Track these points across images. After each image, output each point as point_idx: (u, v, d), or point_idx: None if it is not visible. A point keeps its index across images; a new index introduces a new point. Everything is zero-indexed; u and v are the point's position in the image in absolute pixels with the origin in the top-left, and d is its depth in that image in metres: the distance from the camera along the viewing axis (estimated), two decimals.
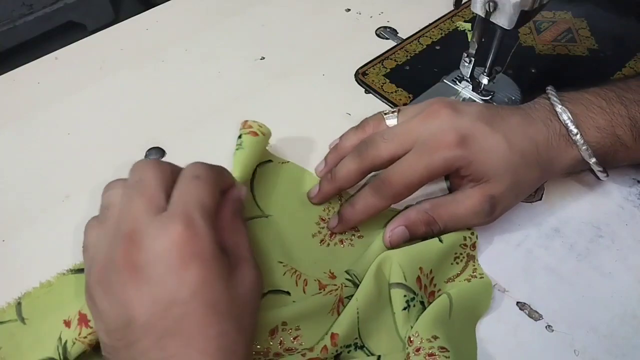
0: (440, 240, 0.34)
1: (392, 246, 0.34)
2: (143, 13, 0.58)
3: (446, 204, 0.35)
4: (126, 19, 0.57)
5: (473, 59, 0.43)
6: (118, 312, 0.26)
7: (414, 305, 0.32)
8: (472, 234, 0.36)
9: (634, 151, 0.36)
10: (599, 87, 0.37)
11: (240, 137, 0.38)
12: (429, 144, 0.34)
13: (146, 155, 0.42)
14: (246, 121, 0.39)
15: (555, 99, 0.36)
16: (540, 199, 0.39)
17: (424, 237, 0.35)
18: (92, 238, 0.30)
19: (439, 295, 0.33)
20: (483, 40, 0.41)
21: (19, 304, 0.33)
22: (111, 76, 0.50)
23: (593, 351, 0.32)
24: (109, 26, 0.55)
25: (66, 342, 0.30)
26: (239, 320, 0.27)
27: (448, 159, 0.33)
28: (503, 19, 0.37)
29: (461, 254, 0.35)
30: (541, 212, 0.39)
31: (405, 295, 0.32)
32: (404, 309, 0.32)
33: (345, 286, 0.33)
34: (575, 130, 0.34)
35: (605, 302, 0.34)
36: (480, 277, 0.35)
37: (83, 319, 0.30)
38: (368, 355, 0.31)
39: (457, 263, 0.35)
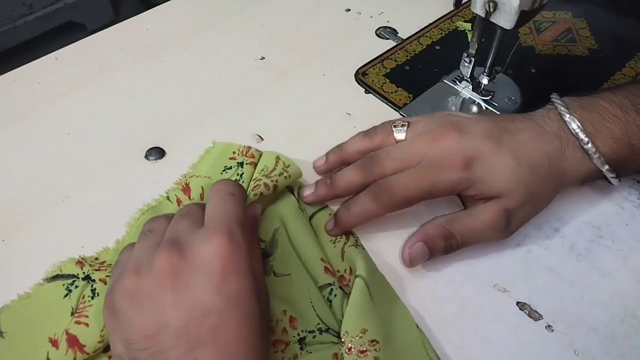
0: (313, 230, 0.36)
1: (412, 265, 0.35)
2: (143, 13, 0.58)
3: (462, 218, 0.35)
4: (126, 19, 0.57)
5: (473, 59, 0.43)
6: (150, 319, 0.26)
7: (335, 295, 0.33)
8: (329, 214, 0.37)
9: None
10: (613, 92, 0.36)
11: (241, 165, 0.38)
12: (435, 163, 0.34)
13: (146, 155, 0.42)
14: (249, 148, 0.39)
15: (562, 108, 0.35)
16: None
17: (444, 253, 0.35)
18: (125, 256, 0.31)
19: (352, 280, 0.33)
20: (483, 40, 0.41)
21: None
22: (111, 76, 0.50)
23: (593, 351, 0.32)
24: (109, 26, 0.55)
25: None
26: (264, 336, 0.27)
27: (452, 180, 0.34)
28: (503, 19, 0.37)
29: (335, 236, 0.36)
30: (541, 212, 0.39)
31: (325, 291, 0.33)
32: (329, 300, 0.33)
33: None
34: (586, 140, 0.34)
35: (605, 302, 0.34)
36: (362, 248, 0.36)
37: (74, 342, 0.30)
38: (335, 336, 0.32)
39: (338, 240, 0.35)
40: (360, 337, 0.30)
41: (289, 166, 0.37)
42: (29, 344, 0.30)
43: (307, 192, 0.38)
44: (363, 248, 0.36)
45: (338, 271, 0.34)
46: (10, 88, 0.48)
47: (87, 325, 0.30)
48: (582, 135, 0.34)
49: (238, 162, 0.39)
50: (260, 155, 0.39)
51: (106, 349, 0.31)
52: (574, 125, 0.34)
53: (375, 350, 0.29)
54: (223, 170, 0.39)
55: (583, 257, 0.36)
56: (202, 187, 0.38)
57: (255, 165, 0.38)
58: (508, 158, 0.34)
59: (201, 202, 0.33)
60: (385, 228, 0.37)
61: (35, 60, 0.51)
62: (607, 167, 0.35)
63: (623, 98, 0.36)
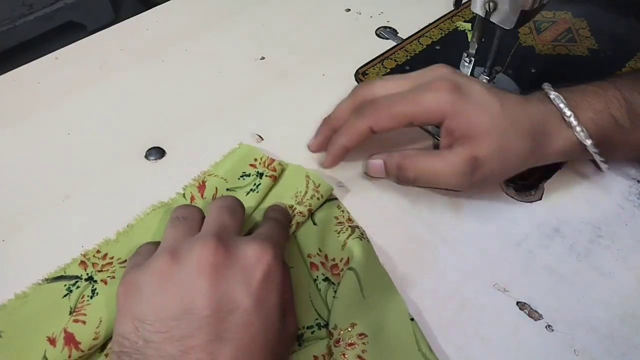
0: (315, 223, 0.36)
1: (369, 174, 0.38)
2: (143, 13, 0.58)
3: (428, 156, 0.35)
4: (126, 19, 0.57)
5: (473, 59, 0.43)
6: (175, 301, 0.26)
7: (318, 286, 0.33)
8: (342, 210, 0.37)
9: (632, 135, 0.36)
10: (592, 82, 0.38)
11: (260, 176, 0.38)
12: (424, 85, 0.35)
13: (146, 155, 0.42)
14: (273, 160, 0.39)
15: (548, 88, 0.36)
16: (540, 199, 0.39)
17: (397, 181, 0.37)
18: (147, 247, 0.32)
19: (344, 271, 0.33)
20: (483, 40, 0.41)
21: None
22: (111, 76, 0.50)
23: (593, 351, 0.32)
24: (109, 26, 0.55)
25: None
26: (279, 355, 0.28)
27: (439, 101, 0.34)
28: (503, 19, 0.37)
29: (341, 228, 0.36)
30: (541, 212, 0.39)
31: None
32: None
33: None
34: (569, 113, 0.34)
35: (605, 302, 0.34)
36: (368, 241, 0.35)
37: (71, 339, 0.29)
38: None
39: (343, 232, 0.36)
40: (349, 331, 0.30)
41: (319, 185, 0.37)
42: (26, 343, 0.30)
43: (311, 142, 0.40)
44: (368, 241, 0.36)
45: (333, 259, 0.34)
46: (10, 88, 0.48)
47: (84, 323, 0.30)
48: (563, 106, 0.34)
49: (258, 172, 0.38)
50: (283, 169, 0.39)
51: (103, 347, 0.31)
52: (558, 101, 0.35)
53: (364, 343, 0.29)
54: (241, 177, 0.38)
55: (583, 257, 0.36)
56: (216, 187, 0.38)
57: (275, 178, 0.38)
58: (494, 101, 0.34)
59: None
60: (385, 229, 0.37)
61: (35, 60, 0.51)
62: (590, 141, 0.34)
63: (602, 82, 0.37)
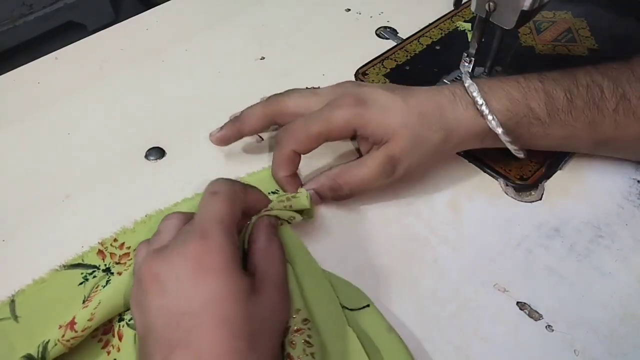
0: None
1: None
2: (143, 13, 0.58)
3: (352, 168, 0.36)
4: (126, 19, 0.57)
5: (473, 59, 0.43)
6: (141, 322, 0.27)
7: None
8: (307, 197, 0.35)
9: (550, 128, 0.36)
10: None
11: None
12: (331, 104, 0.36)
13: (146, 155, 0.42)
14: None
15: (464, 77, 0.37)
16: (540, 199, 0.39)
17: (335, 200, 0.38)
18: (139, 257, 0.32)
19: None
20: (483, 40, 0.41)
21: (12, 301, 0.32)
22: (111, 76, 0.50)
23: (593, 351, 0.32)
24: (109, 26, 0.55)
25: (47, 342, 0.29)
26: (253, 340, 0.26)
27: (346, 116, 0.35)
28: (503, 19, 0.37)
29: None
30: (541, 212, 0.39)
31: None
32: None
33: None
34: (480, 101, 0.35)
35: (605, 302, 0.34)
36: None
37: (72, 322, 0.30)
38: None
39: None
40: (294, 318, 0.29)
41: (294, 197, 0.35)
42: (40, 330, 0.31)
43: (213, 133, 0.40)
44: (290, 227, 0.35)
45: None
46: (10, 88, 0.48)
47: (86, 307, 0.31)
48: (475, 95, 0.35)
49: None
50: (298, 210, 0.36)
51: (100, 340, 0.31)
52: (472, 89, 0.36)
53: (309, 328, 0.29)
54: (271, 192, 0.38)
55: (583, 257, 0.36)
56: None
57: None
58: (397, 101, 0.36)
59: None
60: (385, 229, 0.37)
61: (35, 60, 0.51)
62: (501, 129, 0.35)
63: (531, 74, 0.37)
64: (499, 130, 0.35)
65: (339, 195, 0.37)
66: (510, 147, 0.37)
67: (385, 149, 0.35)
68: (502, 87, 0.36)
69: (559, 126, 0.36)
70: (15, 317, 0.32)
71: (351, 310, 0.32)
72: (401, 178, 0.36)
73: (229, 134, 0.40)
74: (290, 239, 0.34)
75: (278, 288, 0.29)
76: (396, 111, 0.35)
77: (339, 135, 0.36)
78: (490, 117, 0.35)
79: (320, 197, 0.37)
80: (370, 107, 0.35)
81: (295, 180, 0.38)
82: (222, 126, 0.40)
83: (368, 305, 0.32)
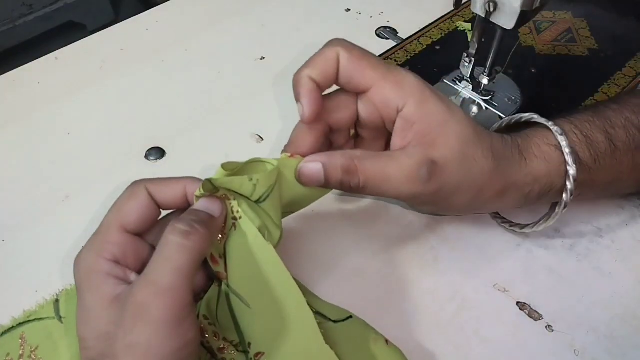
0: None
1: (301, 180, 0.29)
2: (143, 13, 0.58)
3: (380, 158, 0.29)
4: (126, 19, 0.57)
5: (473, 59, 0.43)
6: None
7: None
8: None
9: (596, 173, 0.33)
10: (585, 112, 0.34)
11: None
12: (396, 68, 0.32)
13: (146, 155, 0.42)
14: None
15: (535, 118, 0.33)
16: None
17: (340, 188, 0.29)
18: None
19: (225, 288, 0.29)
20: (483, 40, 0.41)
21: (56, 301, 0.32)
22: (111, 76, 0.50)
23: (593, 351, 0.32)
24: (109, 26, 0.55)
25: None
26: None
27: (409, 80, 0.30)
28: (503, 19, 0.37)
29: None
30: (541, 212, 0.39)
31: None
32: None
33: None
34: (560, 131, 0.31)
35: (605, 302, 0.34)
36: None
37: None
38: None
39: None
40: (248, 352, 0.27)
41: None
42: None
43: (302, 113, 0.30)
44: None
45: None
46: (10, 88, 0.49)
47: None
48: (555, 128, 0.31)
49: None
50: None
51: None
52: (550, 123, 0.32)
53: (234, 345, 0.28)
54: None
55: (583, 257, 0.36)
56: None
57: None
58: (456, 110, 0.30)
59: None
60: (385, 229, 0.37)
61: (35, 60, 0.51)
62: (575, 167, 0.31)
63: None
64: (573, 169, 0.31)
65: (349, 183, 0.29)
66: (571, 188, 0.32)
67: (427, 150, 0.29)
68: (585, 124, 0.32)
69: (605, 172, 0.33)
70: (60, 318, 0.31)
71: (335, 322, 0.30)
72: (432, 194, 0.29)
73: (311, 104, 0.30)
74: (249, 237, 0.28)
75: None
76: (455, 112, 0.30)
77: (384, 97, 0.30)
78: (567, 150, 0.31)
79: (326, 178, 0.29)
80: (431, 90, 0.30)
81: (317, 96, 0.30)
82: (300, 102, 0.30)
83: (351, 317, 0.31)
